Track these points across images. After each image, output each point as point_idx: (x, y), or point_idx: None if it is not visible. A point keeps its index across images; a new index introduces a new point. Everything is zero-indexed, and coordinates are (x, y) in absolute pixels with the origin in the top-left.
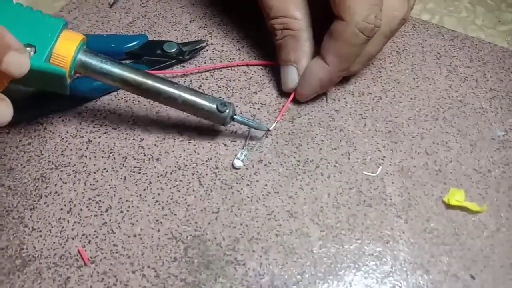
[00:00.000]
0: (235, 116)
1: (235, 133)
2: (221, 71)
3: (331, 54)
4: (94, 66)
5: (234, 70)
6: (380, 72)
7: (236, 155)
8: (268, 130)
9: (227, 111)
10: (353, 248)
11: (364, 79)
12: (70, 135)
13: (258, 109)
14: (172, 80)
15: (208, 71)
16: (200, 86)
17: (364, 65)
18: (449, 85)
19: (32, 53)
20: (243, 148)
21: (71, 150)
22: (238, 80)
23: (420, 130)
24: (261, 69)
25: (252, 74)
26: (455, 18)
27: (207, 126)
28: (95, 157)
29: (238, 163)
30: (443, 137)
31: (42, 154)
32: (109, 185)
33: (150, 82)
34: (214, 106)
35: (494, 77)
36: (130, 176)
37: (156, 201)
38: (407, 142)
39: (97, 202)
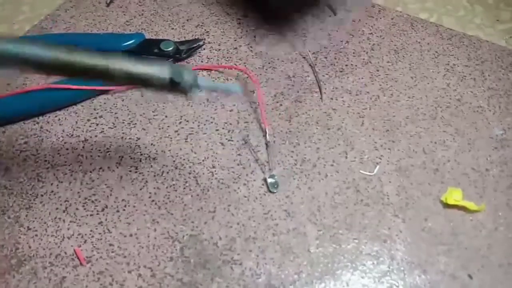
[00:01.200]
0: (199, 83)
1: (232, 132)
2: (220, 69)
3: None
4: None
5: (231, 69)
6: (378, 70)
7: (266, 177)
8: (244, 91)
9: (184, 80)
10: (350, 248)
11: (362, 78)
12: (66, 134)
13: (256, 108)
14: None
15: (204, 69)
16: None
17: None
18: (447, 83)
19: None
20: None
21: (67, 149)
22: (236, 79)
23: (418, 129)
24: (259, 67)
25: (250, 73)
26: (453, 17)
27: (203, 124)
28: (91, 156)
29: (272, 188)
30: (441, 136)
31: (38, 153)
32: (105, 185)
33: (64, 56)
34: (167, 77)
35: (492, 76)
36: (127, 175)
37: (153, 201)
38: (404, 141)
39: (93, 202)
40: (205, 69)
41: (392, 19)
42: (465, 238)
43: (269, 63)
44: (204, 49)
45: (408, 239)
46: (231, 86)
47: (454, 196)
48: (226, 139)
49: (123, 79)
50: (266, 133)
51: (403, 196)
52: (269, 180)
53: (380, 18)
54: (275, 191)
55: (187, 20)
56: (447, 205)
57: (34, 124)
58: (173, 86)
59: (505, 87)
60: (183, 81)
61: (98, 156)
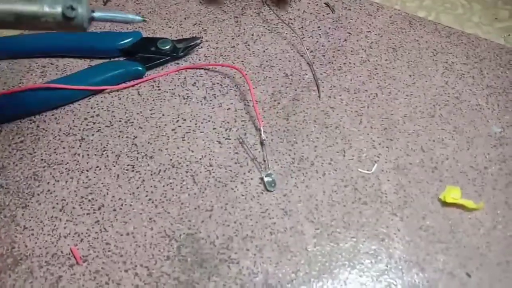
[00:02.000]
0: (95, 15)
1: (229, 130)
2: (216, 67)
3: None
4: None
5: (229, 67)
6: (376, 69)
7: (263, 176)
8: (144, 19)
9: (78, 14)
10: (348, 246)
11: (360, 76)
12: (63, 133)
13: (253, 106)
14: None
15: (202, 68)
16: (195, 83)
17: None
18: (445, 81)
19: None
20: (265, 164)
21: (63, 148)
22: (233, 77)
23: (416, 127)
24: (256, 66)
25: (247, 71)
26: (451, 15)
27: (200, 122)
28: (88, 155)
29: (269, 186)
30: (439, 134)
31: (35, 152)
32: (102, 183)
33: None
34: (58, 11)
35: (490, 74)
36: (123, 174)
37: (150, 199)
38: (403, 139)
39: (89, 200)
40: (199, 68)
41: (390, 17)
42: (464, 236)
43: (266, 61)
44: (201, 47)
45: (406, 238)
46: (129, 15)
47: (453, 194)
48: (223, 137)
49: (13, 22)
50: (261, 131)
51: (401, 195)
52: (266, 179)
53: (378, 16)
54: (272, 189)
55: (185, 18)
56: (445, 204)
57: (31, 123)
58: (67, 21)
59: (504, 85)
60: (77, 15)
61: (95, 154)
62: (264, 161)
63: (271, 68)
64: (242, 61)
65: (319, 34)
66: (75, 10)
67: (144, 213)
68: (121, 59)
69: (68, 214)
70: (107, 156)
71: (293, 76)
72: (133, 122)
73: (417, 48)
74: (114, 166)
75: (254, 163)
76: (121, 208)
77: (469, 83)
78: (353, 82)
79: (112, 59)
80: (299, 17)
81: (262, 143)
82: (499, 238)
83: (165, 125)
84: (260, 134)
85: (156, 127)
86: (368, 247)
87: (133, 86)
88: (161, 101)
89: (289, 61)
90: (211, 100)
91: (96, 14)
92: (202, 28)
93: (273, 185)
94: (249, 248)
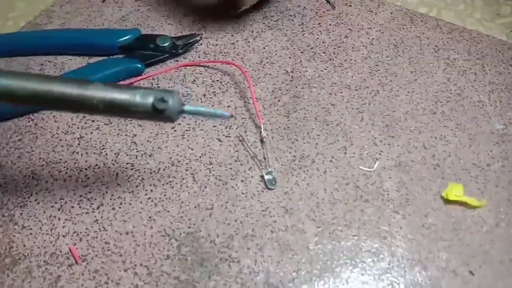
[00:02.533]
0: (185, 108)
1: (229, 128)
2: (215, 65)
3: None
4: None
5: (229, 64)
6: (377, 65)
7: (264, 174)
8: (232, 116)
9: (168, 106)
10: (349, 245)
11: (361, 73)
12: (62, 131)
13: (253, 103)
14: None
15: (202, 65)
16: (194, 80)
17: None
18: (447, 78)
19: None
20: (265, 162)
21: (62, 146)
22: (233, 74)
23: (418, 124)
24: (256, 63)
25: (247, 68)
26: (453, 11)
27: (200, 120)
28: (86, 153)
29: (270, 184)
30: (441, 131)
31: (33, 151)
32: (101, 182)
33: (38, 86)
34: (149, 103)
35: (493, 70)
36: (123, 172)
37: (149, 198)
38: (404, 136)
39: (88, 199)
40: (199, 65)
41: (391, 13)
42: (466, 234)
43: (266, 58)
44: (201, 44)
45: (409, 236)
46: (218, 111)
47: (455, 191)
48: (223, 135)
49: (102, 109)
50: (261, 129)
51: (403, 192)
52: (267, 177)
53: (379, 13)
54: (273, 188)
55: (184, 15)
56: (447, 201)
57: (29, 121)
58: (157, 113)
59: (506, 82)
60: (167, 108)
61: (94, 153)
62: (265, 158)
63: (271, 65)
64: (242, 58)
65: (320, 31)
66: (166, 103)
67: (144, 212)
68: (120, 56)
69: (66, 213)
70: (106, 154)
71: (293, 73)
72: (132, 120)
73: (419, 44)
74: (113, 164)
75: (254, 161)
76: (120, 207)
77: (471, 79)
78: (354, 79)
79: (110, 57)
80: (300, 13)
81: (262, 141)
82: (502, 236)
83: (165, 122)
84: (260, 132)
85: (156, 125)
86: (370, 245)
87: (132, 83)
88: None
89: (290, 57)
90: (211, 98)
91: (186, 108)
92: (202, 25)
93: (273, 183)
94: (249, 247)
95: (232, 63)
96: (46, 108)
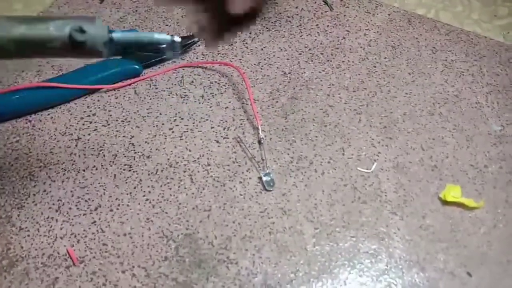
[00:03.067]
0: (113, 36)
1: (228, 129)
2: (213, 66)
3: None
4: None
5: (227, 65)
6: (375, 67)
7: (262, 175)
8: (173, 41)
9: (89, 37)
10: (347, 246)
11: (359, 74)
12: (59, 133)
13: (251, 104)
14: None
15: (199, 67)
16: (192, 81)
17: None
18: (445, 79)
19: None
20: (263, 163)
21: (60, 148)
22: (231, 75)
23: (416, 126)
24: (254, 64)
25: (245, 70)
26: (450, 13)
27: (198, 121)
28: (84, 154)
29: (268, 186)
30: (439, 133)
31: (31, 152)
32: (99, 183)
33: None
34: (66, 35)
35: (490, 71)
36: (120, 173)
37: (147, 199)
38: (402, 137)
39: (86, 201)
40: (197, 66)
41: (389, 15)
42: (464, 235)
43: (264, 59)
44: (199, 45)
45: (406, 237)
46: (156, 35)
47: (453, 193)
48: (222, 136)
49: (14, 50)
50: (259, 130)
51: (401, 193)
52: (265, 178)
53: (377, 14)
54: (270, 189)
55: (182, 16)
56: (445, 202)
57: (26, 123)
58: (76, 46)
59: (503, 83)
60: (88, 39)
61: (92, 154)
62: (263, 160)
63: (269, 67)
64: (239, 59)
65: (318, 32)
66: (85, 33)
67: (142, 213)
68: (118, 57)
69: (64, 214)
70: (104, 155)
71: (291, 74)
72: (130, 121)
73: (416, 46)
74: (111, 166)
75: (252, 162)
76: (118, 208)
77: (468, 81)
78: (352, 80)
79: (108, 58)
80: (297, 14)
81: (260, 142)
82: (499, 237)
83: (163, 124)
84: (258, 133)
85: (153, 126)
86: (368, 246)
87: (129, 85)
88: (158, 100)
89: (287, 59)
90: (209, 99)
91: (116, 35)
92: (200, 26)
93: (271, 184)
94: (248, 248)
95: (231, 64)
96: None
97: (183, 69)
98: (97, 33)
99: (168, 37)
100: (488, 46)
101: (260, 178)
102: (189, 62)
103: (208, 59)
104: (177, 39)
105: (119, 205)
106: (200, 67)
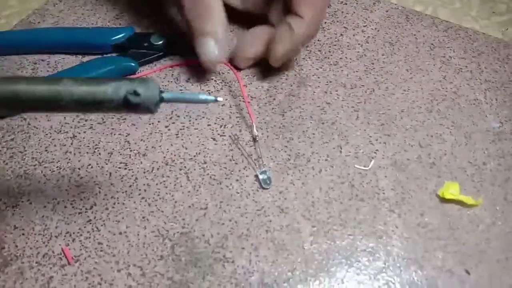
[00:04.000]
0: (164, 97)
1: (224, 127)
2: None
3: (304, 5)
4: None
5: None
6: (372, 63)
7: (258, 173)
8: (216, 99)
9: (142, 99)
10: (345, 244)
11: (357, 71)
12: (54, 131)
13: (248, 102)
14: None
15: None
16: (189, 79)
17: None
18: (443, 76)
19: None
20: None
21: (55, 146)
22: (228, 72)
23: (414, 123)
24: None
25: (231, 66)
26: (448, 9)
27: (194, 119)
28: (79, 153)
29: (264, 184)
30: (437, 130)
31: (26, 150)
32: (94, 182)
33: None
34: (121, 98)
35: (488, 68)
36: (116, 172)
37: (143, 198)
38: (400, 134)
39: (81, 199)
40: (192, 64)
41: (387, 11)
42: (463, 233)
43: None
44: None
45: (404, 235)
46: (201, 96)
47: (451, 190)
48: (218, 134)
49: (74, 108)
50: (253, 127)
51: (399, 191)
52: (261, 176)
53: (375, 11)
54: (267, 187)
55: (179, 14)
56: (444, 200)
57: (21, 120)
58: (131, 106)
59: (502, 80)
60: (141, 101)
61: (87, 152)
62: (260, 157)
63: (266, 63)
64: None
65: None
66: (139, 96)
67: (137, 212)
68: (114, 55)
69: (59, 213)
70: (99, 154)
71: (288, 71)
72: (125, 119)
73: (414, 42)
74: (107, 164)
75: (249, 160)
76: (113, 207)
77: (467, 77)
78: (350, 77)
79: (104, 55)
80: None
81: (254, 140)
82: (498, 235)
83: (159, 122)
84: (252, 131)
85: (149, 124)
86: (365, 244)
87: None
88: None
89: None
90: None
91: (166, 96)
92: None
93: (268, 182)
94: (244, 247)
95: (225, 63)
96: (16, 111)
97: (180, 67)
98: (150, 95)
99: (212, 98)
100: (487, 43)
101: (256, 176)
102: (186, 59)
103: None
104: (220, 99)
105: (114, 203)
106: (194, 65)
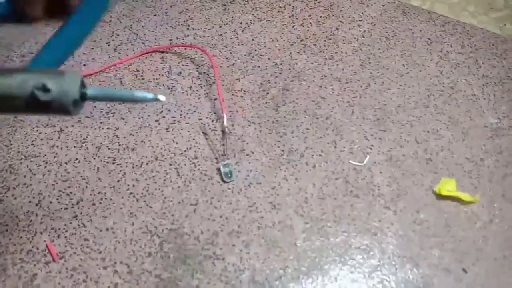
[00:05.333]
0: (87, 94)
1: (216, 121)
2: (202, 56)
3: None
4: None
5: (216, 56)
6: (368, 58)
7: (220, 167)
8: (157, 99)
9: (54, 97)
10: (339, 241)
11: (352, 66)
12: (41, 124)
13: (241, 96)
14: None
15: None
16: (180, 72)
17: None
18: (440, 71)
19: None
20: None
21: (41, 139)
22: (220, 66)
23: (410, 118)
24: (245, 55)
25: (235, 61)
26: (446, 4)
27: (186, 113)
28: (67, 147)
29: (226, 177)
30: (433, 125)
31: (11, 144)
32: (81, 176)
33: None
34: (27, 91)
35: (486, 63)
36: (104, 166)
37: (131, 193)
38: (396, 130)
39: (67, 194)
40: (164, 51)
41: (383, 5)
42: (459, 230)
43: (255, 50)
44: (188, 35)
45: (400, 232)
46: (138, 93)
47: (448, 186)
48: (210, 128)
49: None
50: (224, 119)
51: (394, 187)
52: (223, 169)
53: (371, 5)
54: (228, 180)
55: (171, 6)
56: (440, 196)
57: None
58: (39, 104)
59: (500, 75)
60: (53, 99)
61: (74, 146)
62: (225, 150)
63: (260, 57)
64: (230, 50)
65: (310, 23)
66: (49, 92)
67: (125, 208)
68: None
69: (44, 208)
70: (87, 148)
71: (282, 65)
72: (114, 112)
73: (411, 37)
74: (94, 158)
75: (214, 152)
76: (100, 203)
77: (464, 73)
78: (345, 71)
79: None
80: (290, 5)
81: (223, 132)
82: (496, 232)
83: (148, 115)
84: (223, 122)
85: (139, 118)
86: (360, 242)
87: (97, 73)
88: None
89: (279, 50)
90: (197, 90)
91: (90, 92)
92: (189, 16)
93: (229, 176)
94: (235, 244)
95: (196, 46)
96: None
97: (171, 60)
98: (65, 91)
99: (151, 96)
100: (484, 38)
101: (218, 169)
102: (158, 46)
103: (197, 50)
104: (162, 98)
105: (101, 199)
106: (174, 52)
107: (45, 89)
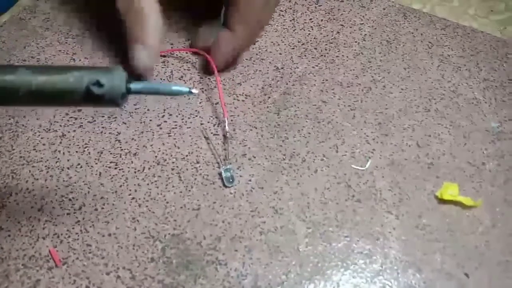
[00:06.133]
0: (131, 88)
1: (218, 125)
2: (204, 61)
3: (237, 23)
4: None
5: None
6: (369, 62)
7: (221, 170)
8: (191, 92)
9: (107, 91)
10: (341, 246)
11: (353, 69)
12: (43, 129)
13: (243, 100)
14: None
15: (188, 62)
16: (182, 76)
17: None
18: (441, 75)
19: None
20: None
21: (43, 144)
22: (222, 71)
23: (412, 122)
24: (246, 59)
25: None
26: (447, 7)
27: (187, 117)
28: (69, 152)
29: (227, 182)
30: (435, 129)
31: (13, 149)
32: (83, 182)
33: None
34: (82, 89)
35: (487, 67)
36: (106, 171)
37: (133, 198)
38: (397, 134)
39: (70, 200)
40: (160, 55)
41: (384, 9)
42: (462, 235)
43: (256, 54)
44: (188, 39)
45: (402, 237)
46: (174, 87)
47: (450, 191)
48: (211, 133)
49: (30, 100)
50: (225, 123)
51: (396, 192)
52: (224, 174)
53: (372, 8)
54: (230, 185)
55: (171, 9)
56: (442, 201)
57: (9, 119)
58: (93, 98)
59: (501, 79)
60: (107, 89)
61: (76, 151)
62: (227, 155)
63: (261, 61)
64: None
65: (311, 26)
66: (102, 87)
67: (127, 213)
68: None
69: (47, 214)
70: (89, 153)
71: (284, 69)
72: (116, 117)
73: (412, 40)
74: (96, 163)
75: (215, 157)
76: (103, 208)
77: (465, 76)
78: (346, 75)
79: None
80: (290, 8)
81: (225, 136)
82: (498, 237)
83: (150, 120)
84: (224, 127)
85: (141, 123)
86: (362, 246)
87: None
88: (146, 95)
89: (280, 54)
90: (199, 95)
91: (133, 87)
92: (189, 19)
93: (231, 180)
94: (237, 249)
95: (194, 50)
96: None
97: (173, 64)
98: (114, 86)
99: (186, 89)
100: (485, 41)
101: (220, 174)
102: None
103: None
104: (195, 91)
105: (104, 204)
106: (176, 56)
107: (99, 85)
